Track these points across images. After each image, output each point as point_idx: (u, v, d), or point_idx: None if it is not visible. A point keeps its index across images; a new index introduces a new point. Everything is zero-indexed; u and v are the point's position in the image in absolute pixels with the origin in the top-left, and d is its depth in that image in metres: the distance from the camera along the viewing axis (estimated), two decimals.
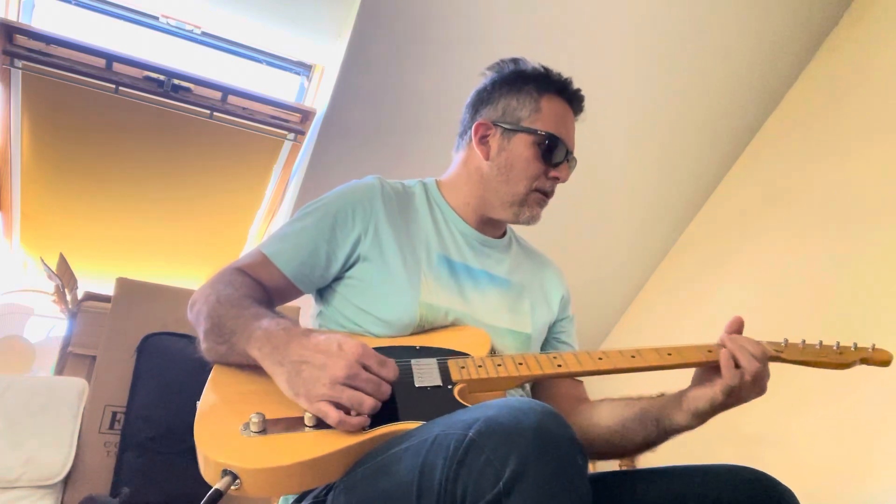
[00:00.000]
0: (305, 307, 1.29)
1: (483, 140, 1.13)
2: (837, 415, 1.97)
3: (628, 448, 1.01)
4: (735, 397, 0.91)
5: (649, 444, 0.99)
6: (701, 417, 0.93)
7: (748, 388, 0.90)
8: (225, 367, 0.91)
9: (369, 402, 0.77)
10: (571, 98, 1.15)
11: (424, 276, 1.05)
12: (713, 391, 0.91)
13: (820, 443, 2.00)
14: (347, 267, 1.06)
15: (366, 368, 0.79)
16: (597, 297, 2.92)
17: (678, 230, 2.80)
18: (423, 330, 1.02)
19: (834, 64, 2.33)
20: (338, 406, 0.77)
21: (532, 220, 1.13)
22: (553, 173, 1.11)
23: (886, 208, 2.01)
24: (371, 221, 1.06)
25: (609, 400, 1.06)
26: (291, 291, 1.05)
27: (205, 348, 0.92)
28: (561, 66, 1.18)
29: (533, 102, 1.11)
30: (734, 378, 0.89)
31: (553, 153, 1.10)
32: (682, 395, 0.96)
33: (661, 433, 0.97)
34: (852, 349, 0.98)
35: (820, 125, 2.32)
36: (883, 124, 2.09)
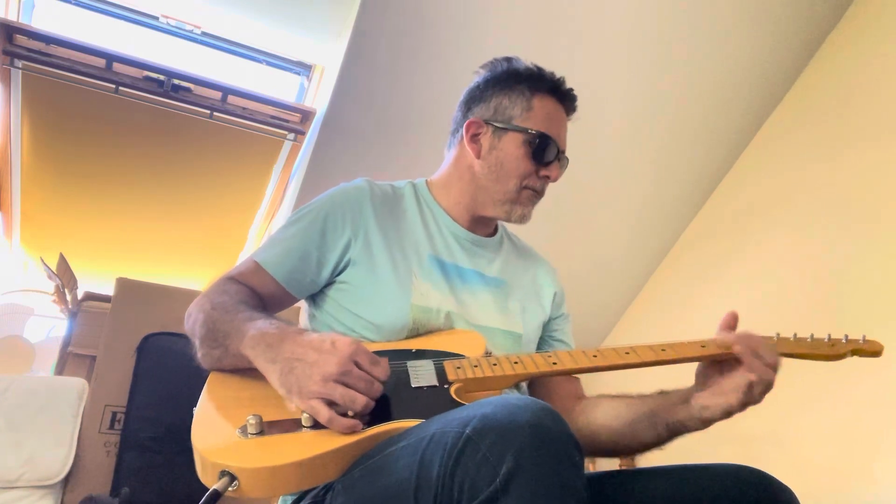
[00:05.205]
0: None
1: (474, 138, 1.13)
2: (838, 414, 1.97)
3: (635, 448, 1.01)
4: (751, 395, 0.89)
5: (659, 444, 0.99)
6: (712, 423, 0.93)
7: (762, 382, 0.89)
8: (221, 373, 0.91)
9: (361, 400, 0.77)
10: (564, 98, 1.14)
11: (415, 279, 1.05)
12: (726, 400, 0.90)
13: (820, 442, 2.00)
14: (338, 271, 1.06)
15: (358, 366, 0.78)
16: (597, 298, 2.91)
17: (678, 230, 2.80)
18: (417, 333, 1.02)
19: (834, 64, 2.33)
20: (331, 405, 0.77)
21: (523, 218, 1.13)
22: (544, 172, 1.11)
23: (886, 208, 2.00)
24: (361, 225, 1.06)
25: (609, 397, 1.05)
26: (285, 298, 1.05)
27: (200, 355, 0.92)
28: (561, 66, 1.17)
29: (525, 101, 1.11)
30: (764, 370, 0.88)
31: (544, 152, 1.09)
32: (689, 399, 0.94)
33: (670, 435, 0.97)
34: (843, 341, 0.99)
35: (820, 125, 2.32)
36: (883, 124, 2.09)
